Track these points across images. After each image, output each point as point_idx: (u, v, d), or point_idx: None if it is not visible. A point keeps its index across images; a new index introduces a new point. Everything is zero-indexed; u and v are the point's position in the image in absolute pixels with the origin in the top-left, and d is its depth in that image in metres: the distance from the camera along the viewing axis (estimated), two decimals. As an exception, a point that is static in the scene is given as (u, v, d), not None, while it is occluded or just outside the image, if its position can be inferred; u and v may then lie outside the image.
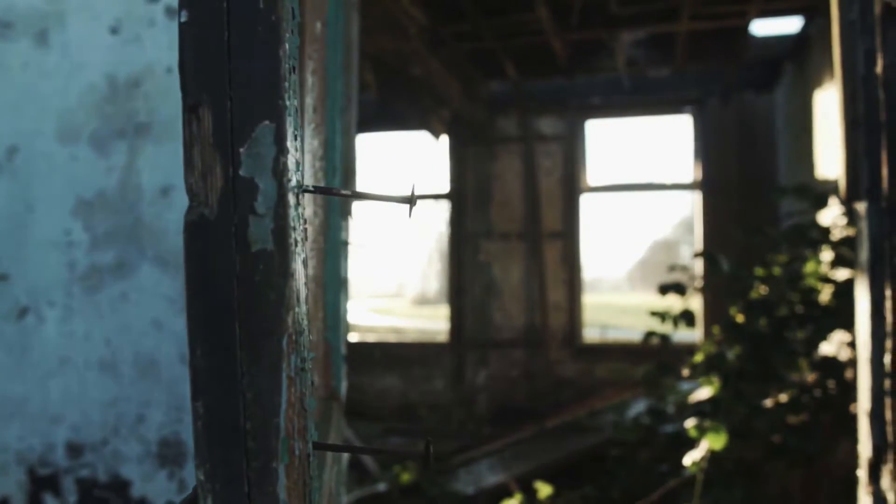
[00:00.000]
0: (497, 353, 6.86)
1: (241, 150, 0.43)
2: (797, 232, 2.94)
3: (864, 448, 1.39)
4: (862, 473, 1.40)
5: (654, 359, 3.81)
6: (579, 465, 4.72)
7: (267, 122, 0.43)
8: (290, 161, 0.46)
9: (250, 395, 0.43)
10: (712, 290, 3.74)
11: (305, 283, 0.56)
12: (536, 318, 6.81)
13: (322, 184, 1.25)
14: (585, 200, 6.94)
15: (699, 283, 3.50)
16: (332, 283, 1.33)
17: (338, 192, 0.56)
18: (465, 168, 6.95)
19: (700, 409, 3.03)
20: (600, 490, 3.77)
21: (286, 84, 0.45)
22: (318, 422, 1.15)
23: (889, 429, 1.31)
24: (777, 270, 3.20)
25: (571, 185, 6.83)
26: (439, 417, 6.50)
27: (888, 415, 1.32)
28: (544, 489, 3.75)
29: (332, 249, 1.35)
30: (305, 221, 0.69)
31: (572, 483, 4.27)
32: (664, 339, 3.57)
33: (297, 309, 0.45)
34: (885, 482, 1.33)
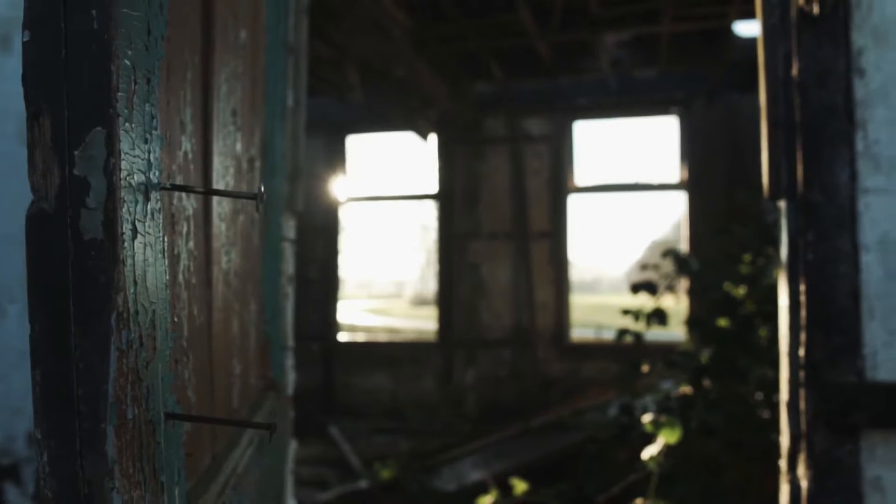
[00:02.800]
0: (485, 352, 6.92)
1: (76, 152, 0.49)
2: (761, 231, 3.00)
3: (784, 438, 1.44)
4: (782, 462, 1.46)
5: (645, 358, 3.87)
6: (561, 462, 4.78)
7: (99, 128, 0.50)
8: (129, 162, 0.52)
9: (82, 366, 0.49)
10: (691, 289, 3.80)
11: (166, 270, 0.62)
12: (524, 317, 6.86)
13: (258, 183, 1.31)
14: (573, 201, 7.00)
15: (673, 281, 3.56)
16: (270, 279, 1.39)
17: (192, 189, 0.62)
18: (453, 168, 7.01)
19: (667, 406, 3.09)
20: (575, 486, 3.82)
21: (120, 94, 0.51)
22: (252, 407, 1.21)
23: (803, 419, 1.37)
24: (745, 269, 3.26)
25: (559, 186, 6.88)
26: (427, 416, 6.56)
27: (802, 405, 1.37)
28: (520, 486, 3.80)
29: (272, 247, 1.41)
30: (185, 215, 0.76)
31: (553, 480, 4.32)
32: (637, 337, 3.63)
33: (129, 291, 0.51)
34: (801, 469, 1.38)
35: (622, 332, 3.64)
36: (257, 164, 1.29)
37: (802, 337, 1.36)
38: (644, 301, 3.58)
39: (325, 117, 7.08)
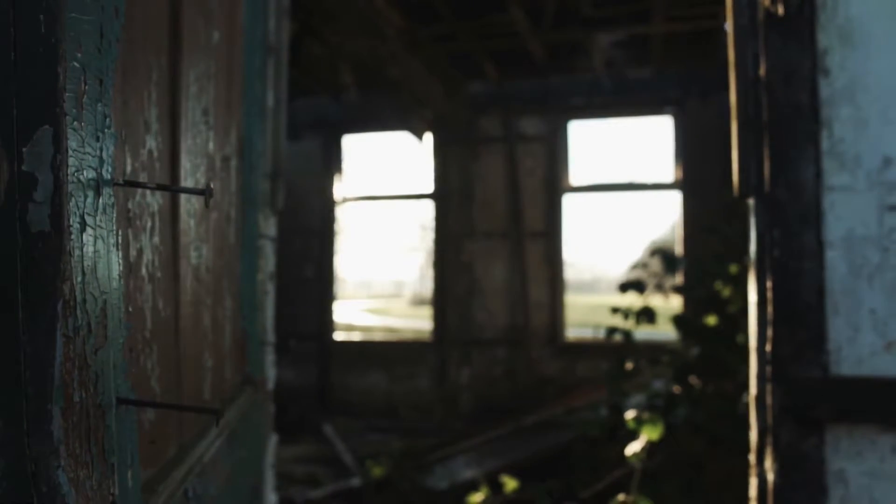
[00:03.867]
0: (480, 351, 6.95)
1: (24, 149, 0.52)
2: (748, 230, 3.02)
3: (753, 432, 1.47)
4: (751, 456, 1.48)
5: (634, 356, 3.89)
6: (552, 460, 4.80)
7: (46, 127, 0.52)
8: (77, 159, 0.55)
9: (29, 350, 0.52)
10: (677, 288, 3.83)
11: (120, 262, 0.64)
12: (519, 316, 6.89)
13: (235, 182, 1.34)
14: (569, 200, 7.02)
15: (661, 280, 3.59)
16: (248, 276, 1.42)
17: (145, 185, 0.65)
18: (448, 168, 7.03)
19: (653, 404, 3.12)
20: (564, 484, 3.85)
21: (68, 95, 0.54)
22: (226, 400, 1.24)
23: (769, 413, 1.40)
24: (734, 269, 3.28)
25: (553, 185, 6.91)
26: (421, 415, 6.58)
27: (768, 400, 1.40)
28: (510, 483, 3.83)
29: (249, 244, 1.44)
30: (150, 211, 0.78)
31: (545, 478, 4.35)
32: (626, 335, 3.65)
33: (76, 280, 0.54)
34: (768, 463, 1.41)
35: (611, 331, 3.67)
36: (233, 162, 1.32)
37: (769, 332, 1.39)
38: (639, 300, 3.61)
39: (321, 117, 7.12)
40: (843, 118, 1.36)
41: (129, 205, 0.77)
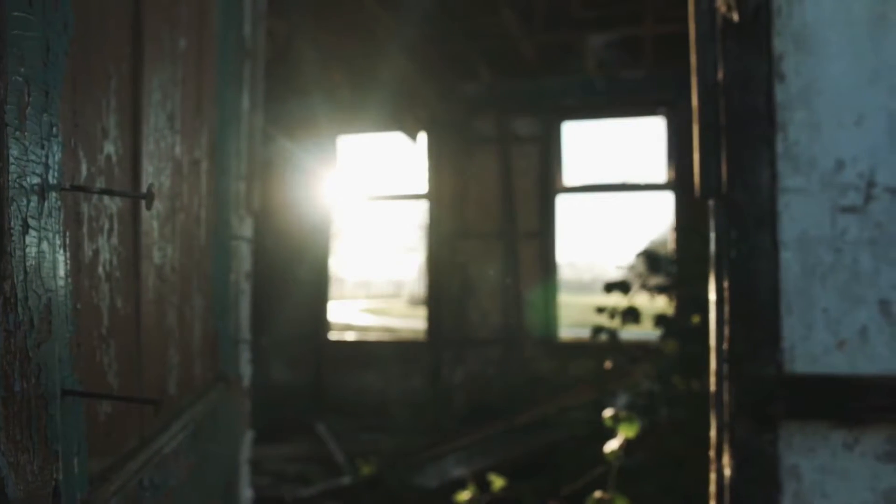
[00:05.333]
0: (473, 351, 6.98)
1: (-33, 156, 0.56)
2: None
3: (712, 429, 1.51)
4: (711, 452, 1.52)
5: (621, 356, 3.92)
6: (543, 459, 4.84)
7: (-14, 135, 0.56)
8: (19, 166, 0.59)
9: (-29, 344, 0.55)
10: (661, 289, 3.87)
11: (67, 262, 0.68)
12: (512, 316, 6.93)
13: (205, 185, 1.38)
14: (563, 201, 7.06)
15: (647, 280, 3.62)
16: (220, 276, 1.46)
17: (89, 189, 0.69)
18: (442, 168, 7.07)
19: (636, 403, 3.15)
20: (551, 481, 3.88)
21: (9, 107, 0.57)
22: (195, 396, 1.28)
23: (726, 410, 1.44)
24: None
25: (547, 186, 6.95)
26: (415, 414, 6.62)
27: (726, 397, 1.44)
28: (498, 481, 3.87)
29: (222, 244, 1.48)
30: (108, 213, 0.82)
31: (535, 476, 4.38)
32: (612, 334, 3.69)
33: (17, 279, 0.58)
34: (725, 458, 1.45)
35: (597, 330, 3.71)
36: (203, 165, 1.36)
37: (726, 331, 1.42)
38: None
39: (315, 118, 7.15)
40: (798, 122, 1.40)
41: (85, 207, 0.81)
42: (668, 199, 6.79)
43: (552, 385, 6.79)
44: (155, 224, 1.05)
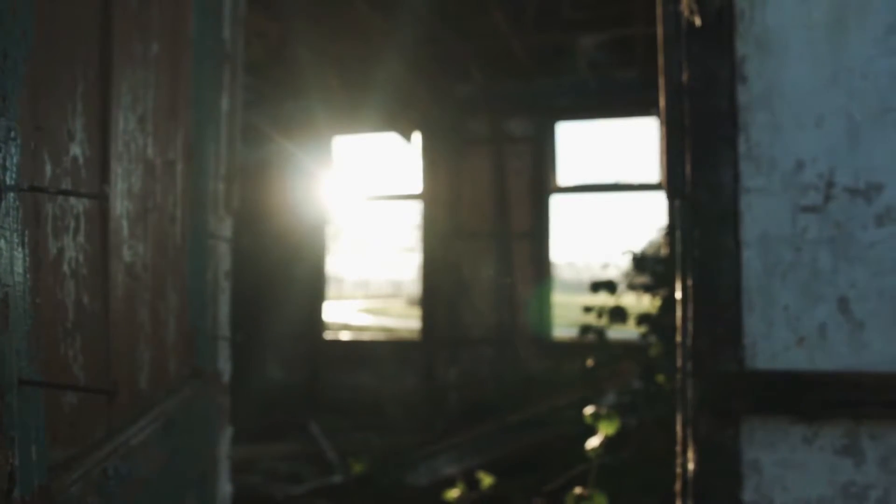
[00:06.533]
0: (467, 350, 7.02)
1: (-78, 158, 0.59)
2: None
3: (678, 425, 1.54)
4: (678, 447, 1.55)
5: (607, 355, 3.95)
6: (533, 457, 4.87)
7: (-59, 138, 0.59)
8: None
9: (-75, 336, 0.59)
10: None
11: (26, 258, 0.72)
12: (506, 316, 6.96)
13: (180, 185, 1.41)
14: (558, 201, 7.11)
15: (633, 280, 3.66)
16: (197, 274, 1.49)
17: (46, 189, 0.72)
18: (436, 169, 7.10)
19: (621, 401, 3.19)
20: (539, 479, 3.92)
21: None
22: (169, 391, 1.31)
23: (690, 405, 1.47)
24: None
25: (541, 186, 6.98)
26: (409, 413, 6.65)
27: (689, 393, 1.47)
28: (486, 479, 3.90)
29: (199, 244, 1.51)
30: (74, 213, 0.85)
31: (525, 474, 4.42)
32: (600, 333, 3.72)
33: (-30, 275, 0.61)
34: (690, 453, 1.48)
35: (585, 329, 3.74)
36: (179, 166, 1.39)
37: (690, 328, 1.46)
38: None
39: (311, 119, 7.19)
40: (760, 123, 1.43)
41: (49, 207, 0.84)
42: (661, 199, 6.83)
43: (545, 384, 6.83)
44: (125, 223, 1.08)
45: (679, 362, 1.52)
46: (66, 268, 0.88)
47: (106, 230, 1.01)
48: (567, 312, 7.51)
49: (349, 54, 5.17)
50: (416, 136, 7.12)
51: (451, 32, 5.30)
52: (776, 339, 1.40)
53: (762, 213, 1.42)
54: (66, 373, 0.87)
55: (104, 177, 1.01)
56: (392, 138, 7.30)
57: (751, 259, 1.42)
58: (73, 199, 0.90)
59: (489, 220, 7.02)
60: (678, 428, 1.53)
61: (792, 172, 1.41)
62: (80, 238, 0.93)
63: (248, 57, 5.43)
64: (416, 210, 7.48)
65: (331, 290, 10.29)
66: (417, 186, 7.25)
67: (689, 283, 1.46)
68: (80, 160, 0.93)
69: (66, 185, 0.88)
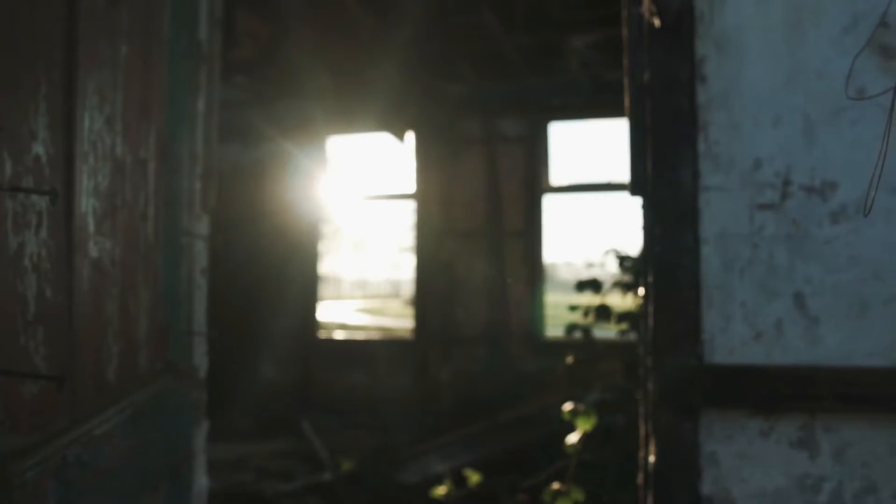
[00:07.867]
0: (460, 349, 7.05)
1: None
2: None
3: (640, 418, 1.58)
4: (641, 441, 1.59)
5: (594, 353, 3.98)
6: (523, 455, 4.91)
7: None
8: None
9: None
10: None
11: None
12: (498, 315, 6.99)
13: (152, 183, 1.44)
14: (551, 201, 7.14)
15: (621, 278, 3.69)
16: (171, 271, 1.53)
17: (1, 187, 0.75)
18: (429, 168, 7.14)
19: (603, 399, 3.22)
20: (525, 477, 3.95)
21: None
22: (139, 385, 1.35)
23: (651, 399, 1.50)
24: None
25: (533, 185, 7.02)
26: (401, 412, 6.69)
27: (650, 387, 1.50)
28: (473, 477, 3.94)
29: (173, 241, 1.54)
30: (35, 210, 0.89)
31: (515, 471, 4.45)
32: (586, 332, 3.75)
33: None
34: (651, 447, 1.51)
35: (571, 328, 3.77)
36: (151, 165, 1.43)
37: (651, 323, 1.49)
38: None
39: (305, 120, 7.22)
40: (719, 122, 1.47)
41: (10, 204, 0.88)
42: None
43: (537, 383, 6.87)
44: (90, 219, 1.11)
45: (642, 357, 1.55)
46: (27, 262, 0.92)
47: (70, 226, 1.04)
48: (561, 312, 7.57)
49: (342, 55, 5.21)
50: (410, 136, 7.15)
51: (443, 33, 5.33)
52: (734, 334, 1.43)
53: (720, 211, 1.45)
54: (26, 363, 0.91)
55: (68, 175, 1.04)
56: (385, 138, 7.33)
57: (709, 256, 1.45)
58: (34, 197, 0.93)
59: (482, 220, 7.06)
60: (640, 421, 1.56)
61: (750, 171, 1.44)
62: (43, 234, 0.96)
63: (241, 57, 5.46)
64: (409, 209, 7.51)
65: (329, 290, 10.35)
66: (411, 186, 7.29)
67: (651, 279, 1.49)
68: (44, 159, 0.97)
69: (27, 182, 0.92)
